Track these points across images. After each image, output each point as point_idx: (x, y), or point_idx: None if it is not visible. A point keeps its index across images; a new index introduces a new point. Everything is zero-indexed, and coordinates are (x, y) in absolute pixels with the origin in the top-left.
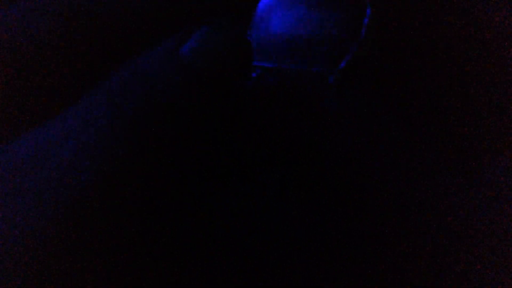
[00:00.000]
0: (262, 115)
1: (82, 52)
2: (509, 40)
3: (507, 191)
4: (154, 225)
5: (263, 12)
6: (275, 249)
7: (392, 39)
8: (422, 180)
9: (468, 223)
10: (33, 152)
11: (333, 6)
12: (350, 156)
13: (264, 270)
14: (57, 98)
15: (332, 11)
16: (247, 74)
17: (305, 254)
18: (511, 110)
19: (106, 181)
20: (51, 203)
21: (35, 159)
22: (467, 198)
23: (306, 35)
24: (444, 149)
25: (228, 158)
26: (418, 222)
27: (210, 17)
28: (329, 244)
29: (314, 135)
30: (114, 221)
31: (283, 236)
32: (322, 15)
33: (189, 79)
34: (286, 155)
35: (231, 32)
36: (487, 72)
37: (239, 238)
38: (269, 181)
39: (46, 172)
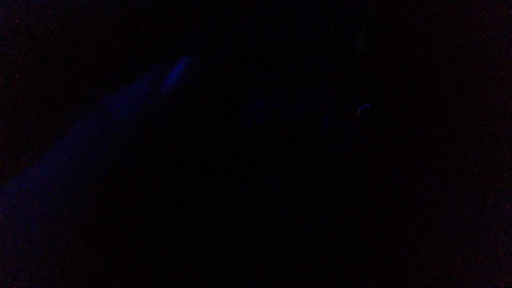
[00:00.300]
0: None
1: (53, 89)
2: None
3: (505, 193)
4: (155, 227)
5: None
6: (275, 249)
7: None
8: (420, 182)
9: (467, 223)
10: (26, 191)
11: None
12: (350, 158)
13: (264, 270)
14: (37, 132)
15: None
16: (238, 110)
17: (305, 254)
18: (509, 112)
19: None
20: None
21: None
22: (465, 200)
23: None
24: (444, 153)
25: (224, 165)
26: (415, 223)
27: (194, 46)
28: (328, 244)
29: (313, 136)
30: (116, 225)
31: (283, 235)
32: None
33: (172, 120)
34: (285, 156)
35: (219, 64)
36: (486, 77)
37: (239, 238)
38: (269, 182)
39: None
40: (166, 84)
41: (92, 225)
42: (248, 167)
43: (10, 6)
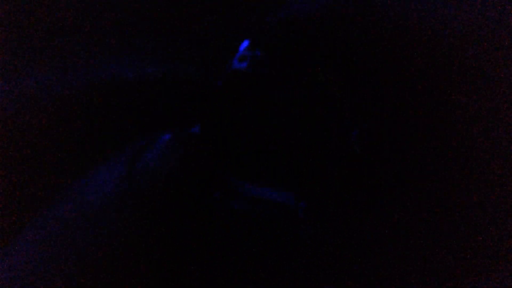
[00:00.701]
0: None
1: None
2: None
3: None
4: None
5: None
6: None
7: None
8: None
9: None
10: None
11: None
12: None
13: (264, 271)
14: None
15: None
16: (210, 194)
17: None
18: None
19: None
20: None
21: None
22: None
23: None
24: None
25: None
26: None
27: (165, 126)
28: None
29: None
30: None
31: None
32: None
33: (150, 205)
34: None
35: (193, 146)
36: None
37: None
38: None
39: None
40: (142, 165)
41: None
42: (233, 256)
43: None
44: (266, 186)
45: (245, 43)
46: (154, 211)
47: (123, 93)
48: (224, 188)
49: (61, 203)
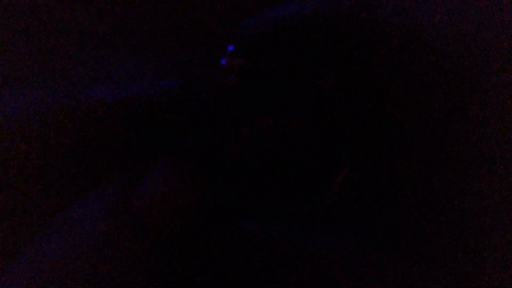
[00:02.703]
0: None
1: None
2: None
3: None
4: None
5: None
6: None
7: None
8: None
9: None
10: None
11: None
12: None
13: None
14: None
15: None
16: (217, 220)
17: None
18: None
19: None
20: None
21: None
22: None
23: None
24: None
25: None
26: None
27: (166, 148)
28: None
29: None
30: None
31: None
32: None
33: (147, 237)
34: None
35: (195, 169)
36: None
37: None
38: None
39: None
40: (139, 193)
41: None
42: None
43: None
44: (279, 196)
45: (230, 49)
46: (157, 243)
47: (114, 115)
48: (231, 209)
49: (46, 237)
